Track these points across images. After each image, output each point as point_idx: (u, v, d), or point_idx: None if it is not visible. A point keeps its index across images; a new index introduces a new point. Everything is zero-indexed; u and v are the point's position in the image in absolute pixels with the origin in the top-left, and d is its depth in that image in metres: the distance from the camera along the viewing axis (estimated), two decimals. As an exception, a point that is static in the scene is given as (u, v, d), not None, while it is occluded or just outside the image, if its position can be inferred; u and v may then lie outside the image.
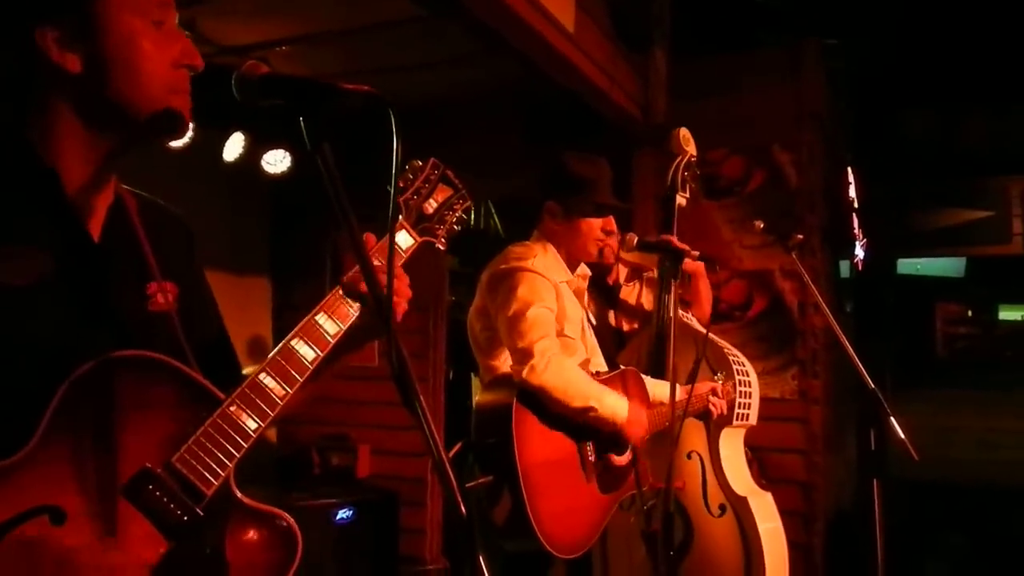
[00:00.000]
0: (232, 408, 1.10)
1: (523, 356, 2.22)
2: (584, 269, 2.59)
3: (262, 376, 1.14)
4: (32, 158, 1.11)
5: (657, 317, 2.86)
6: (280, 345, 1.19)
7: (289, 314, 5.22)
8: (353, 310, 1.27)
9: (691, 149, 3.03)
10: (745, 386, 2.94)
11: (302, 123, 1.06)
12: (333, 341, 1.23)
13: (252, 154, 4.26)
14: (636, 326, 3.08)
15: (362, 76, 4.19)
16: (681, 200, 3.00)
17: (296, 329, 1.22)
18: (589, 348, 2.53)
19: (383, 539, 4.38)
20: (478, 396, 2.37)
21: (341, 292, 1.27)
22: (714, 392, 2.71)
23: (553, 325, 2.32)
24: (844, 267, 5.32)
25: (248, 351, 5.04)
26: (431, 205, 1.45)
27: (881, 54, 4.90)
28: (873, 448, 2.59)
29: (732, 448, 2.94)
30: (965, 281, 9.63)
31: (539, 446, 2.22)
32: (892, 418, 2.52)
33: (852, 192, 4.90)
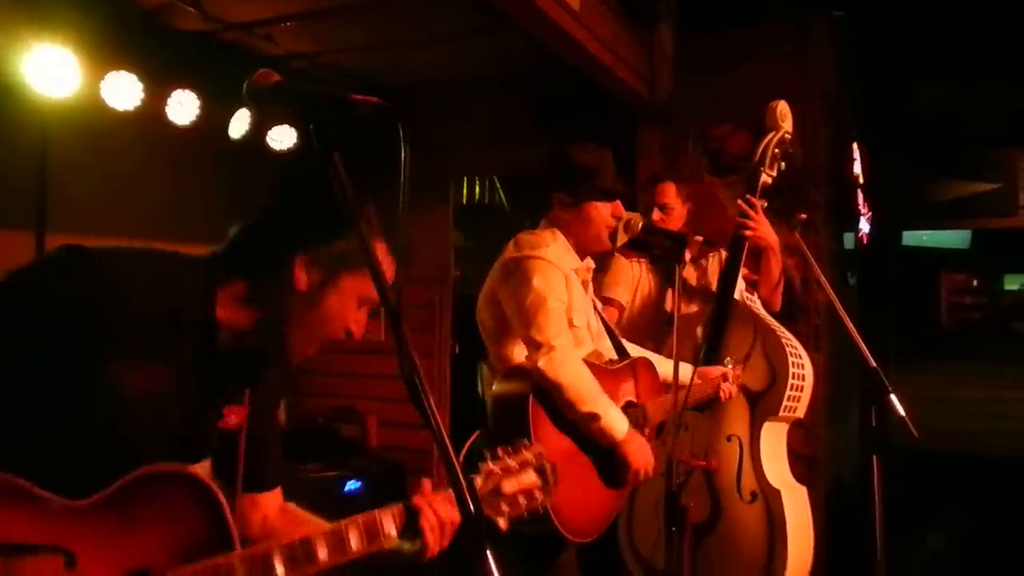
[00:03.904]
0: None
1: (540, 348, 2.25)
2: (590, 262, 2.58)
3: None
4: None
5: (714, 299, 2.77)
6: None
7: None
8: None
9: (787, 125, 2.86)
10: (798, 379, 2.79)
11: (312, 132, 1.08)
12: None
13: (257, 131, 4.25)
14: (695, 308, 2.99)
15: (367, 51, 4.18)
16: (766, 178, 2.84)
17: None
18: (595, 335, 2.55)
19: (390, 509, 4.44)
20: (495, 386, 2.38)
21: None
22: (725, 377, 2.68)
23: (565, 319, 2.34)
24: (848, 238, 5.29)
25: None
26: (511, 486, 1.47)
27: (891, 25, 4.84)
28: (874, 425, 2.61)
29: (774, 439, 2.85)
30: (971, 252, 9.60)
31: (555, 437, 2.26)
32: (893, 396, 2.53)
33: (857, 168, 4.88)
